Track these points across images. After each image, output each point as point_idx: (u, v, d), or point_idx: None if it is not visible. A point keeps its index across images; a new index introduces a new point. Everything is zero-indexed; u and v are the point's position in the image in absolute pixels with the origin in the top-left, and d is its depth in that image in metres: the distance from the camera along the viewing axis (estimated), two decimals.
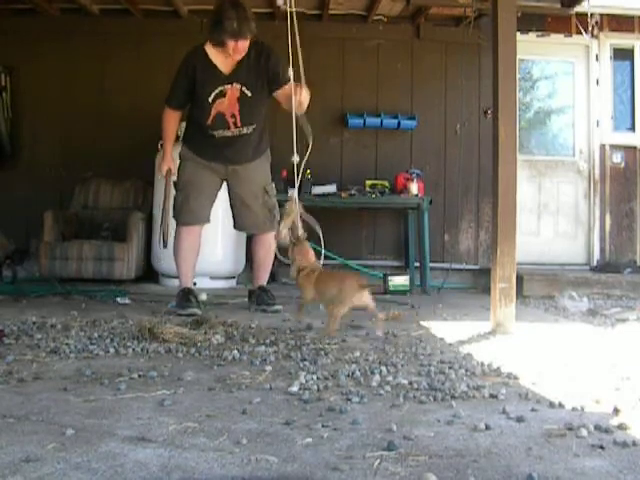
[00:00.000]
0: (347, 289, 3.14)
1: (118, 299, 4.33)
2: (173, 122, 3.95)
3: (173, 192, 4.02)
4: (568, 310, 4.39)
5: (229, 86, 3.76)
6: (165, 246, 3.95)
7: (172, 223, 3.98)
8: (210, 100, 3.75)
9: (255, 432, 1.59)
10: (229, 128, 3.82)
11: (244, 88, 3.77)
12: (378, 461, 1.40)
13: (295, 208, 3.38)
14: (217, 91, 3.75)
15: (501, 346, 2.96)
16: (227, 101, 3.77)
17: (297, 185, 3.56)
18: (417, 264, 5.78)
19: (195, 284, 4.17)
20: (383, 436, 1.57)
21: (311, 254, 3.31)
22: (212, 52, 3.76)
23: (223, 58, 3.75)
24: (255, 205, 3.97)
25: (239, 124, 3.82)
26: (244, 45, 3.66)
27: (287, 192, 5.51)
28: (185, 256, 3.95)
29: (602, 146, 6.40)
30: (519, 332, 3.35)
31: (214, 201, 4.02)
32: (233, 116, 3.80)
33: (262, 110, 3.87)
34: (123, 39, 6.13)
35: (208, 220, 4.02)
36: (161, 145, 5.51)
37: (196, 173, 3.92)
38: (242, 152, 3.90)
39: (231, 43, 3.63)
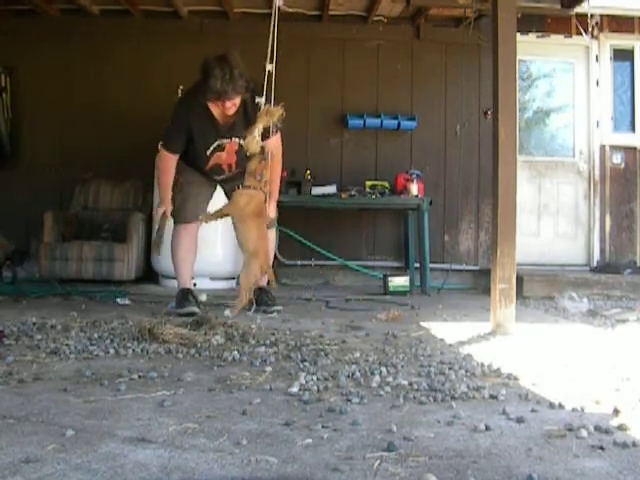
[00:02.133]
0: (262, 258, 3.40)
1: (118, 300, 4.33)
2: (171, 166, 3.84)
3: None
4: (568, 311, 4.39)
5: (228, 140, 3.79)
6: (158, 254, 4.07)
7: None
8: (208, 153, 3.81)
9: (255, 433, 1.59)
10: (224, 173, 3.93)
11: (242, 141, 3.78)
12: (378, 462, 1.40)
13: (273, 114, 3.42)
14: (216, 144, 3.79)
15: (501, 347, 2.96)
16: (225, 154, 3.84)
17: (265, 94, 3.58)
18: (417, 265, 5.78)
19: (195, 285, 4.17)
20: (383, 437, 1.57)
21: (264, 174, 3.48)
22: (209, 103, 3.73)
23: (220, 110, 3.72)
24: None
25: (234, 169, 3.92)
26: (232, 102, 3.62)
27: (287, 192, 5.52)
28: (183, 257, 3.95)
29: (602, 147, 6.40)
30: (519, 333, 3.35)
31: (210, 200, 4.06)
32: (230, 165, 3.90)
33: None
34: (123, 39, 6.13)
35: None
36: (162, 145, 5.54)
37: (193, 176, 3.96)
38: (235, 180, 3.95)
39: (217, 101, 3.62)
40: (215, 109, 3.72)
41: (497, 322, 3.38)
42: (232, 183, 3.93)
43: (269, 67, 3.41)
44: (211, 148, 3.78)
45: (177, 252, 3.96)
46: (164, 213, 3.84)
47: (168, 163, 3.85)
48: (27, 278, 5.45)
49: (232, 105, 3.64)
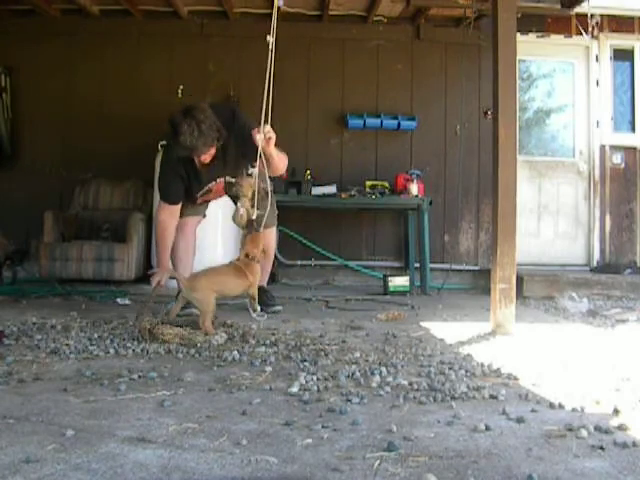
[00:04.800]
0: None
1: (118, 300, 4.33)
2: (173, 220, 3.71)
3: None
4: (568, 311, 4.39)
5: (214, 183, 3.77)
6: None
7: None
8: (197, 195, 3.81)
9: (255, 433, 1.59)
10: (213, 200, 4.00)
11: (227, 178, 3.78)
12: (378, 462, 1.40)
13: (252, 186, 3.37)
14: (204, 190, 3.78)
15: (501, 347, 2.96)
16: (213, 194, 3.87)
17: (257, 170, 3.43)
18: (417, 265, 5.78)
19: None
20: (383, 437, 1.57)
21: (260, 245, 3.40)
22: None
23: (197, 160, 3.62)
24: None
25: (224, 195, 3.97)
26: (207, 155, 3.52)
27: (287, 192, 5.52)
28: (181, 256, 3.95)
29: (602, 147, 6.40)
30: (519, 333, 3.35)
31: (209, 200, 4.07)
32: (218, 197, 3.95)
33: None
34: (123, 39, 6.13)
35: (204, 215, 4.05)
36: (161, 146, 5.54)
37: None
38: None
39: (190, 156, 3.53)
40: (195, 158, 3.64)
41: (497, 322, 3.38)
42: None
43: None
44: (200, 192, 3.79)
45: (174, 252, 3.95)
46: (159, 283, 3.48)
47: (170, 216, 3.69)
48: (27, 278, 5.45)
49: (207, 156, 3.54)
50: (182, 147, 3.39)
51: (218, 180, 3.78)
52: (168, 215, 3.71)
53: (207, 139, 3.38)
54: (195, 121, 3.31)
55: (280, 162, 3.61)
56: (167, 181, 3.72)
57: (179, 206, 3.75)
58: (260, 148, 3.33)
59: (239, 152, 3.64)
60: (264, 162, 3.37)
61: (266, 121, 3.29)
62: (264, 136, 3.32)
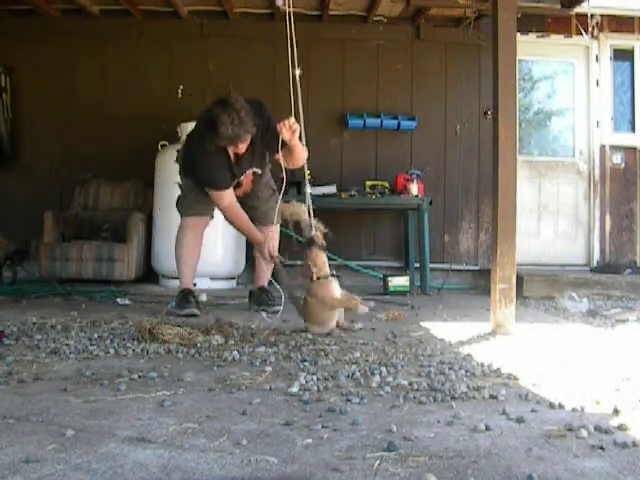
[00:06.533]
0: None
1: (118, 300, 4.33)
2: (236, 202, 3.73)
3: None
4: (568, 311, 4.39)
5: (244, 175, 3.81)
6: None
7: None
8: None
9: (255, 433, 1.59)
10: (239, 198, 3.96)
11: (255, 169, 3.83)
12: (378, 462, 1.40)
13: (299, 208, 3.36)
14: (235, 183, 3.78)
15: (501, 347, 2.96)
16: (242, 188, 3.87)
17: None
18: (417, 265, 5.78)
19: (195, 285, 4.16)
20: (383, 437, 1.57)
21: (324, 259, 3.20)
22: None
23: (231, 151, 3.66)
24: (261, 199, 3.98)
25: (249, 193, 3.95)
26: (244, 144, 3.57)
27: (287, 192, 5.50)
28: (187, 258, 3.94)
29: (602, 147, 6.40)
30: (519, 333, 3.35)
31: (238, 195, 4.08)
32: (245, 192, 3.91)
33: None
34: (123, 39, 6.13)
35: (212, 216, 4.04)
36: (161, 146, 5.54)
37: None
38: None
39: (231, 147, 3.57)
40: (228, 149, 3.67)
41: (497, 322, 3.38)
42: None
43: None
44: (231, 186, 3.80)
45: (181, 253, 3.94)
46: (272, 257, 3.68)
47: (232, 200, 3.71)
48: (27, 278, 5.45)
49: (244, 145, 3.58)
50: (223, 138, 3.43)
51: (248, 172, 3.79)
52: (231, 199, 3.71)
53: (247, 126, 3.43)
54: (234, 110, 3.36)
55: (302, 152, 3.65)
56: (212, 169, 3.64)
57: (232, 189, 3.73)
58: (282, 139, 3.39)
59: (264, 143, 3.67)
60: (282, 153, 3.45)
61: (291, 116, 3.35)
62: (289, 128, 3.36)
